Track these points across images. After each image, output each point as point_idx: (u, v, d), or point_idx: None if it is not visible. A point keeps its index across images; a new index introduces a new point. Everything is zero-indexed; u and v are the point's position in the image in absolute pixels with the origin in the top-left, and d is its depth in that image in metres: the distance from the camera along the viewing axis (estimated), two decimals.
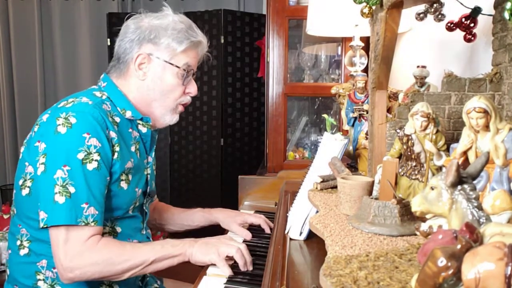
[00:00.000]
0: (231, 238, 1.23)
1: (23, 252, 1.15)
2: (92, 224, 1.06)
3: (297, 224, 1.06)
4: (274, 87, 2.08)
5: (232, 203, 2.14)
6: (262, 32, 3.33)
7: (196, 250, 1.13)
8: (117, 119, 1.19)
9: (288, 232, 1.08)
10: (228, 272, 1.12)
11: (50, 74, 4.15)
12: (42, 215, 1.05)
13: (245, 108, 3.53)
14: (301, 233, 1.03)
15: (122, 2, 4.09)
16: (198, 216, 1.55)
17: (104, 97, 1.21)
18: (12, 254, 1.18)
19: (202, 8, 3.61)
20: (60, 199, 1.04)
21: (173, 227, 1.58)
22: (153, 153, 1.34)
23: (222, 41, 3.37)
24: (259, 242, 1.42)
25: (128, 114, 1.23)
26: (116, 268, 1.08)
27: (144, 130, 1.27)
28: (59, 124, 1.08)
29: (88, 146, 1.07)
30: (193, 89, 1.30)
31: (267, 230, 1.49)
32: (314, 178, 1.15)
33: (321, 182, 1.13)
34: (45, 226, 1.05)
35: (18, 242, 1.16)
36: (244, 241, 1.41)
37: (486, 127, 0.72)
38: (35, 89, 4.09)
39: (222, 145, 3.44)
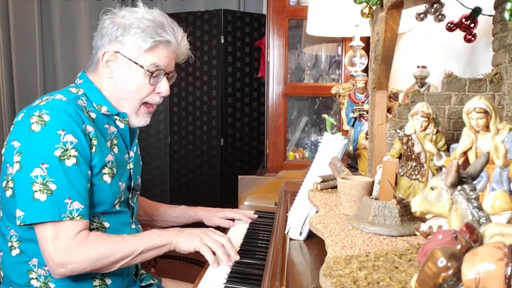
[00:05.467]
0: (214, 231, 1.25)
1: (14, 252, 1.15)
2: (78, 218, 1.07)
3: (297, 224, 1.06)
4: (274, 87, 2.08)
5: (232, 203, 2.14)
6: (262, 32, 3.34)
7: (181, 240, 1.17)
8: (93, 115, 1.18)
9: (288, 232, 1.08)
10: (211, 258, 1.16)
11: (50, 73, 4.15)
12: (19, 213, 1.06)
13: (245, 108, 3.53)
14: (301, 233, 1.03)
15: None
16: (182, 214, 1.60)
17: (80, 93, 1.20)
18: (4, 256, 1.18)
19: (202, 8, 3.61)
20: (41, 196, 1.04)
21: (157, 223, 1.61)
22: (135, 148, 1.32)
23: (222, 41, 3.37)
24: (259, 242, 1.42)
25: (104, 109, 1.21)
26: (106, 260, 1.10)
27: (121, 125, 1.25)
28: (33, 123, 1.07)
29: (64, 142, 1.07)
30: (164, 88, 1.24)
31: (248, 221, 1.59)
32: (314, 178, 1.15)
33: (321, 182, 1.13)
34: (22, 223, 1.06)
35: (9, 244, 1.16)
36: (245, 237, 1.42)
37: (486, 128, 0.72)
38: (35, 89, 4.09)
39: (222, 145, 3.44)
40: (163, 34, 1.19)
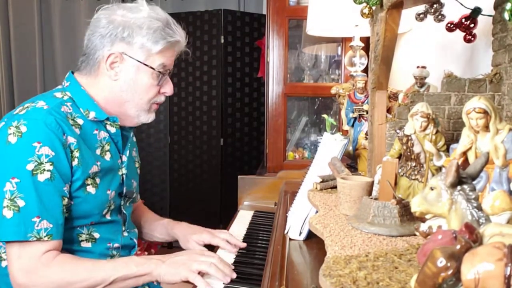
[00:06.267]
0: (202, 252, 1.15)
1: (4, 263, 1.11)
2: (46, 238, 1.01)
3: (296, 224, 1.06)
4: (274, 87, 2.08)
5: (232, 203, 2.15)
6: (262, 32, 3.34)
7: (165, 271, 1.07)
8: (80, 121, 1.12)
9: (287, 232, 1.08)
10: (203, 285, 1.05)
11: (50, 73, 4.15)
12: None
13: (245, 108, 3.53)
14: (300, 233, 1.03)
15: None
16: (163, 231, 1.43)
17: (65, 97, 1.14)
18: None
19: (202, 8, 3.61)
20: (8, 213, 0.99)
21: (143, 236, 1.47)
22: (128, 152, 1.26)
23: (222, 41, 3.37)
24: (259, 242, 1.42)
25: (92, 115, 1.14)
26: (72, 287, 1.03)
27: (113, 130, 1.19)
28: (10, 134, 1.02)
29: (38, 155, 1.01)
30: (168, 88, 1.22)
31: (232, 250, 1.32)
32: (314, 178, 1.15)
33: (321, 182, 1.13)
34: None
35: None
36: (244, 240, 1.41)
37: (486, 128, 0.72)
38: (35, 89, 4.09)
39: (222, 145, 3.44)
40: (172, 34, 1.16)
